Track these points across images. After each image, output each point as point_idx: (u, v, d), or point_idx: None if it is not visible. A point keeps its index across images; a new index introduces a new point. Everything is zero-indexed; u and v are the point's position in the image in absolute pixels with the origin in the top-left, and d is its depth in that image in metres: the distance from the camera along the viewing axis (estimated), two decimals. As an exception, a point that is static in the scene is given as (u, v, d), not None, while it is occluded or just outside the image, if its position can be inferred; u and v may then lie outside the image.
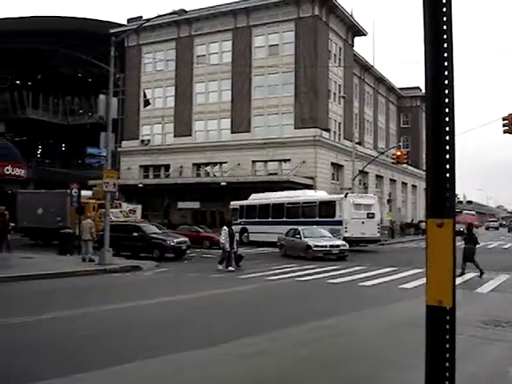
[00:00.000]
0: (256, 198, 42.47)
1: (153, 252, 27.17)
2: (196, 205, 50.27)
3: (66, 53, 66.26)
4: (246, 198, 43.67)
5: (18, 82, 78.92)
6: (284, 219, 37.83)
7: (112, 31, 51.50)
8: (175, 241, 27.86)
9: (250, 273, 20.85)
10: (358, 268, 23.03)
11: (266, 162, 51.08)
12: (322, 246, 27.79)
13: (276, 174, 49.67)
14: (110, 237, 22.73)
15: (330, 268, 22.95)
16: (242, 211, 42.46)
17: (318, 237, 29.17)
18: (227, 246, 22.58)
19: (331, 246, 28.10)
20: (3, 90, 76.12)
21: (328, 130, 51.17)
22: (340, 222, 33.99)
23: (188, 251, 29.47)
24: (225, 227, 23.54)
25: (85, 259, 23.77)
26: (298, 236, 29.47)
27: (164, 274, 21.34)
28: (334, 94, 54.41)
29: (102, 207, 29.86)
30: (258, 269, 22.44)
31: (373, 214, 35.50)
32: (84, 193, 34.10)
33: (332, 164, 52.32)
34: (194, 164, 54.52)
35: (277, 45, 51.51)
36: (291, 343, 9.27)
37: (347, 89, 56.94)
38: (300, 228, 30.00)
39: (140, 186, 51.46)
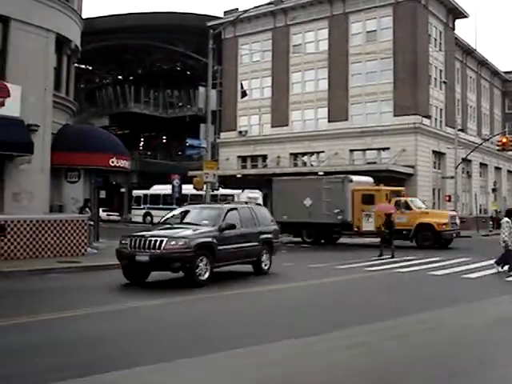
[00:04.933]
0: (158, 189, 51.65)
1: None
2: (293, 195, 50.14)
3: (165, 47, 68.09)
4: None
5: (119, 77, 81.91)
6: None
7: (209, 24, 52.31)
8: None
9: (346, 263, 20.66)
10: (461, 260, 22.27)
11: (364, 150, 50.28)
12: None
13: (375, 163, 48.77)
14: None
15: (430, 260, 22.33)
16: (146, 199, 52.03)
17: None
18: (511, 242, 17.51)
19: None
20: (106, 86, 79.22)
21: (429, 117, 49.65)
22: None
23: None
24: (507, 219, 18.01)
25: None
26: None
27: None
28: (435, 79, 52.69)
29: (398, 195, 29.95)
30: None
31: (259, 204, 39.64)
32: (362, 178, 32.72)
33: (433, 152, 50.75)
34: (291, 154, 54.51)
35: (374, 31, 50.44)
36: (387, 336, 9.11)
37: (449, 74, 54.98)
38: None
39: (238, 176, 52.06)
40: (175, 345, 8.32)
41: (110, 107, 75.83)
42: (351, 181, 30.95)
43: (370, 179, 33.51)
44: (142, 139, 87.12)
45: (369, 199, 28.57)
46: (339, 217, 29.52)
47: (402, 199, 30.43)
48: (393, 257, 22.88)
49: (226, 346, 8.03)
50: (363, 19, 50.91)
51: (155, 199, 52.55)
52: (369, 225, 29.40)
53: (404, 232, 28.43)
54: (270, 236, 17.64)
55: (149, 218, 51.60)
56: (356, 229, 30.51)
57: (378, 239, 25.30)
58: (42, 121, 20.19)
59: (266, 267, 17.33)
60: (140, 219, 51.88)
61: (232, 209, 16.59)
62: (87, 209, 22.59)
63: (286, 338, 8.60)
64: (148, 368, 6.87)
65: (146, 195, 53.01)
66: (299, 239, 32.46)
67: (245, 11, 37.80)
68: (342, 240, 33.33)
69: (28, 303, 11.76)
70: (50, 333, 8.95)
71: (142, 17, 62.37)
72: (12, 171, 19.51)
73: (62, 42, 22.09)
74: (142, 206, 53.81)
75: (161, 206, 50.72)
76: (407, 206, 29.45)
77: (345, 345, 8.42)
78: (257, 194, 46.29)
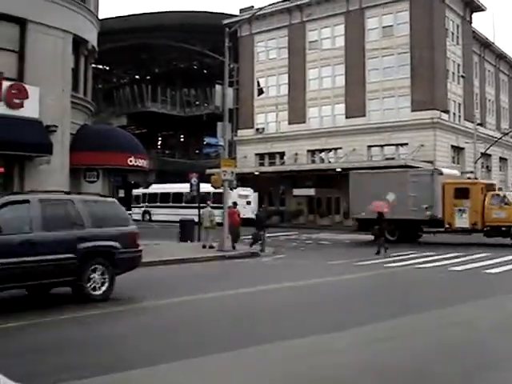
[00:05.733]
0: (156, 188, 53.37)
1: None
2: (311, 192, 50.09)
3: (182, 46, 68.24)
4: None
5: (137, 76, 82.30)
6: (183, 204, 47.51)
7: (225, 22, 52.26)
8: None
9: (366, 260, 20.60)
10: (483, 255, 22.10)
11: (382, 146, 50.03)
12: None
13: (393, 158, 48.49)
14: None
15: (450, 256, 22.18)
16: (145, 197, 52.98)
17: None
18: None
19: None
20: (124, 85, 79.66)
21: (447, 112, 49.24)
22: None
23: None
24: None
25: (205, 246, 24.44)
26: None
27: (281, 260, 21.53)
28: (453, 73, 52.25)
29: (492, 189, 28.52)
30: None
31: (250, 201, 45.42)
32: (451, 171, 30.90)
33: (452, 147, 50.38)
34: (308, 150, 54.39)
35: (391, 26, 50.14)
36: (412, 331, 9.11)
37: (466, 68, 54.49)
38: None
39: (256, 173, 52.07)
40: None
41: (127, 107, 76.28)
42: (441, 173, 29.13)
43: (456, 172, 31.56)
44: (160, 138, 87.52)
45: (462, 193, 26.45)
46: (428, 212, 27.41)
47: (501, 193, 28.90)
48: (378, 253, 22.72)
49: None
50: (379, 14, 50.63)
51: (153, 198, 53.67)
52: (462, 221, 27.50)
53: (503, 229, 26.58)
54: (107, 244, 11.94)
55: (147, 216, 52.75)
56: (447, 225, 28.13)
57: (469, 236, 24.37)
58: (60, 121, 20.33)
59: (98, 292, 11.63)
60: (139, 217, 52.44)
61: (12, 202, 11.16)
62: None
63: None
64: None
65: (144, 194, 54.09)
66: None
67: (260, 9, 37.70)
68: (428, 238, 30.17)
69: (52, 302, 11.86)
70: (44, 335, 8.98)
71: (158, 16, 62.59)
72: (31, 171, 19.68)
73: (79, 43, 22.23)
74: (141, 205, 54.78)
75: (158, 204, 52.63)
76: (506, 201, 27.25)
77: (368, 340, 8.42)
78: (248, 192, 47.35)
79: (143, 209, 54.31)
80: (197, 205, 31.12)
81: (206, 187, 42.21)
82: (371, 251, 23.31)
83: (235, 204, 26.78)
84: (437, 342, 8.42)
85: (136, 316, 10.53)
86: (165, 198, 52.27)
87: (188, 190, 43.76)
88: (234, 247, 23.75)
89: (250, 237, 24.94)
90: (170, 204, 51.03)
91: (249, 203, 46.78)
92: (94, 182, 23.14)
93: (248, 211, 45.80)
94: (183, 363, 7.09)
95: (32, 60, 19.56)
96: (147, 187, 57.21)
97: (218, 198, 43.61)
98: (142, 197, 55.78)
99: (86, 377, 6.43)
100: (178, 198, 50.50)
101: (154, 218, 51.90)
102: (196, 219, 42.29)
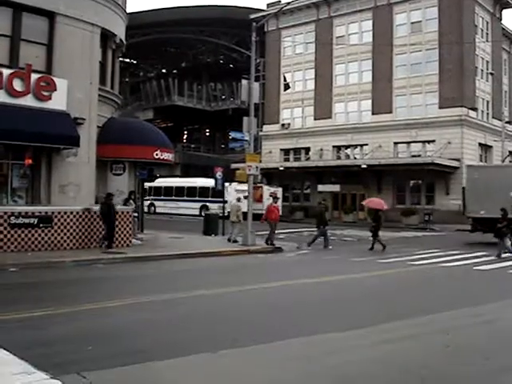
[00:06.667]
0: (161, 181, 53.86)
1: None
2: (336, 188, 49.90)
3: (208, 40, 68.41)
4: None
5: (163, 70, 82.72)
6: (185, 197, 51.40)
7: (252, 17, 52.29)
8: None
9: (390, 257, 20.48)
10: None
11: (408, 143, 49.62)
12: None
13: (419, 155, 48.09)
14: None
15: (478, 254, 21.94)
16: (151, 191, 53.34)
17: None
18: None
19: None
20: (150, 79, 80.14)
21: (475, 109, 48.64)
22: (226, 201, 43.35)
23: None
24: None
25: (230, 239, 24.51)
26: None
27: (305, 256, 21.50)
28: (482, 70, 51.56)
29: None
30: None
31: (247, 196, 41.20)
32: None
33: (480, 145, 49.77)
34: (334, 146, 54.16)
35: (419, 21, 49.62)
36: (434, 330, 9.05)
37: (495, 65, 53.74)
38: None
39: (281, 169, 52.04)
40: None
41: (154, 100, 76.78)
42: None
43: None
44: (186, 132, 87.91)
45: None
46: None
47: None
48: (372, 248, 23.34)
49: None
50: (408, 10, 50.14)
51: (158, 191, 54.67)
52: None
53: None
54: None
55: (152, 208, 53.84)
56: None
57: None
58: (87, 114, 20.54)
59: None
60: (146, 209, 53.46)
61: None
62: (131, 201, 22.92)
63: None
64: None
65: (150, 187, 54.89)
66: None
67: (288, 3, 37.61)
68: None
69: (75, 293, 12.02)
70: (70, 325, 9.02)
71: (185, 10, 62.79)
72: (59, 164, 19.91)
73: (106, 37, 22.40)
74: (147, 198, 55.90)
75: (162, 197, 54.13)
76: None
77: (392, 338, 8.40)
78: (246, 187, 48.36)
79: (149, 201, 55.18)
80: (222, 199, 31.46)
81: (207, 182, 48.97)
82: (394, 249, 23.16)
83: (275, 200, 27.36)
84: (464, 340, 8.37)
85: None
86: (168, 192, 53.95)
87: (186, 184, 52.81)
88: (272, 243, 23.61)
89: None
90: (173, 197, 53.12)
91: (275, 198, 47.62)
92: (120, 175, 23.36)
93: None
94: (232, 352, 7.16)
95: (60, 53, 19.77)
96: (152, 181, 58.27)
97: (216, 193, 47.98)
98: (147, 190, 56.64)
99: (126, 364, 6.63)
100: (180, 191, 53.00)
101: (157, 210, 53.44)
102: (195, 212, 47.42)
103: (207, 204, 49.29)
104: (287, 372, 6.76)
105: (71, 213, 18.99)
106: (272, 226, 24.29)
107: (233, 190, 44.50)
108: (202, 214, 45.76)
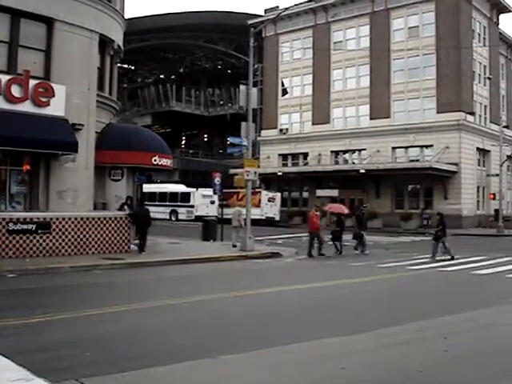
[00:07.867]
0: (146, 187, 54.35)
1: None
2: (334, 193, 49.92)
3: (206, 46, 68.54)
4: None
5: (161, 76, 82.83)
6: (156, 202, 51.82)
7: (250, 22, 52.36)
8: None
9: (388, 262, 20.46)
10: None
11: (406, 148, 49.67)
12: None
13: (417, 160, 48.14)
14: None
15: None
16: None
17: None
18: None
19: None
20: (148, 85, 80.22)
21: (473, 114, 48.74)
22: (193, 206, 49.10)
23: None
24: None
25: (235, 245, 24.35)
26: None
27: (304, 261, 21.47)
28: (479, 75, 51.68)
29: None
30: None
31: (213, 201, 47.68)
32: None
33: (477, 149, 49.86)
34: (332, 151, 54.21)
35: (417, 26, 49.76)
36: (433, 334, 9.01)
37: (493, 69, 53.86)
38: None
39: (279, 174, 52.07)
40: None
41: (152, 106, 76.83)
42: None
43: None
44: (184, 137, 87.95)
45: None
46: None
47: None
48: (341, 253, 23.35)
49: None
50: (405, 15, 50.30)
51: (142, 196, 55.30)
52: None
53: None
54: None
55: None
56: None
57: None
58: (86, 120, 20.54)
59: None
60: None
61: None
62: (125, 206, 22.64)
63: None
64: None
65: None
66: None
67: (285, 9, 37.70)
68: None
69: (74, 299, 11.99)
70: (69, 331, 8.97)
71: (183, 16, 62.95)
72: (57, 169, 19.91)
73: (105, 43, 22.43)
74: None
75: (146, 202, 53.71)
76: None
77: (391, 343, 8.38)
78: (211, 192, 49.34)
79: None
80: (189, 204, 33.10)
81: (176, 188, 54.24)
82: (394, 254, 23.12)
83: (317, 206, 25.16)
84: (462, 345, 8.36)
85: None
86: (152, 197, 53.18)
87: (158, 190, 54.54)
88: (322, 254, 22.53)
89: (351, 238, 24.77)
90: (156, 203, 52.74)
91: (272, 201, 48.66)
92: (118, 181, 23.32)
93: (271, 211, 48.90)
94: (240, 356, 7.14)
95: (59, 59, 19.79)
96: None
97: (184, 197, 52.53)
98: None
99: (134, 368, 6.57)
100: (152, 197, 52.40)
101: None
102: (166, 217, 49.45)
103: (176, 209, 52.76)
104: (287, 377, 6.74)
105: (69, 219, 18.95)
106: (313, 236, 22.97)
107: (199, 196, 49.92)
108: (172, 218, 52.39)
